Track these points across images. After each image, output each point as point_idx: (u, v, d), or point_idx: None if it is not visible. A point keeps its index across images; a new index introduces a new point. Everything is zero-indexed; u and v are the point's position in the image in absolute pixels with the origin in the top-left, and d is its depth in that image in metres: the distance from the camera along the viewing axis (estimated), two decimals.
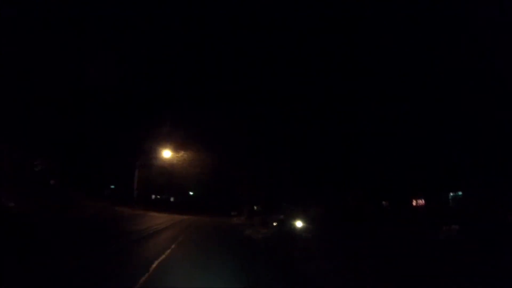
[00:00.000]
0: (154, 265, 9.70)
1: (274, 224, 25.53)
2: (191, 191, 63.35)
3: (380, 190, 41.45)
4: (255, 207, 60.91)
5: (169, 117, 43.90)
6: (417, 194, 33.63)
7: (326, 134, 40.25)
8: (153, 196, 67.91)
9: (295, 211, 30.14)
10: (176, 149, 46.21)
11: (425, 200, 32.39)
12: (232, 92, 40.32)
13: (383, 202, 43.50)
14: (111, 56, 30.63)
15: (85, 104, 36.65)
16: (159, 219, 33.26)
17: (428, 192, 31.53)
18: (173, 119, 43.66)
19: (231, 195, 62.06)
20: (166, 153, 43.60)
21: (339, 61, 35.25)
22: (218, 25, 37.10)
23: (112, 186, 56.28)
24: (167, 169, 52.15)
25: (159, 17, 35.07)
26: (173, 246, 14.06)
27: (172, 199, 69.01)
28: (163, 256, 11.30)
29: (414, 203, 34.54)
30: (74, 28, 28.47)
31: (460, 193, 27.99)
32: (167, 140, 43.60)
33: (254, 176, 47.88)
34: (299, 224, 24.64)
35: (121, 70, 33.42)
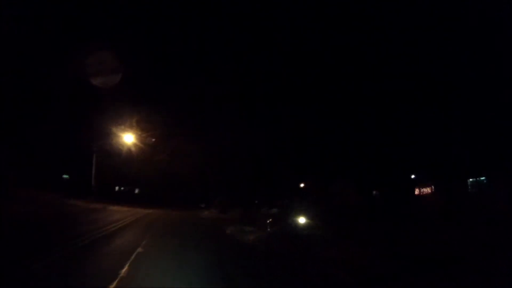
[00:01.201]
0: None
1: (268, 221, 19.89)
2: (158, 182, 56.72)
3: (371, 178, 36.83)
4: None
5: (132, 97, 37.90)
6: (421, 181, 29.21)
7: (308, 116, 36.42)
8: (117, 188, 61.23)
9: (295, 205, 25.24)
10: (140, 134, 39.87)
11: (434, 188, 27.81)
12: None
13: (374, 192, 38.81)
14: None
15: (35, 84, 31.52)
16: (119, 215, 27.59)
17: (439, 178, 27.03)
18: (137, 100, 37.71)
19: (202, 186, 56.09)
20: (128, 138, 37.09)
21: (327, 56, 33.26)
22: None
23: (66, 176, 49.48)
24: (132, 157, 46.09)
25: None
26: (125, 268, 8.43)
27: (137, 190, 62.34)
28: None
29: (416, 191, 30.08)
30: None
31: (483, 178, 23.57)
32: (129, 122, 37.25)
33: (229, 164, 42.63)
34: (302, 220, 19.36)
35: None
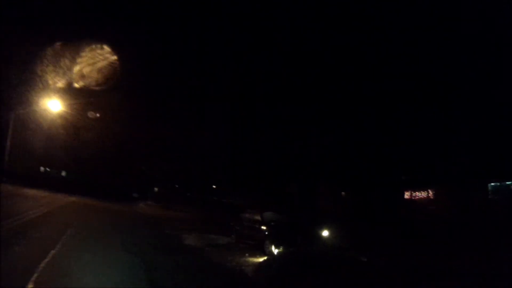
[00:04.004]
0: None
1: (266, 233, 13.12)
2: (91, 164, 48.92)
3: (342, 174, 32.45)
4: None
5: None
6: (415, 183, 25.03)
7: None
8: (42, 169, 52.85)
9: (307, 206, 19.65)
10: (71, 104, 32.58)
11: (433, 192, 23.62)
12: None
13: (342, 193, 34.14)
14: None
15: None
16: (31, 202, 21.38)
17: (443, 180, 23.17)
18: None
19: (141, 171, 49.28)
20: (54, 105, 29.57)
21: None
22: None
23: None
24: (60, 133, 39.04)
25: None
26: None
27: (64, 173, 54.11)
28: None
29: (407, 195, 25.79)
30: None
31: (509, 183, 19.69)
32: (57, 87, 29.89)
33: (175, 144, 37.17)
34: (325, 233, 13.60)
35: None
